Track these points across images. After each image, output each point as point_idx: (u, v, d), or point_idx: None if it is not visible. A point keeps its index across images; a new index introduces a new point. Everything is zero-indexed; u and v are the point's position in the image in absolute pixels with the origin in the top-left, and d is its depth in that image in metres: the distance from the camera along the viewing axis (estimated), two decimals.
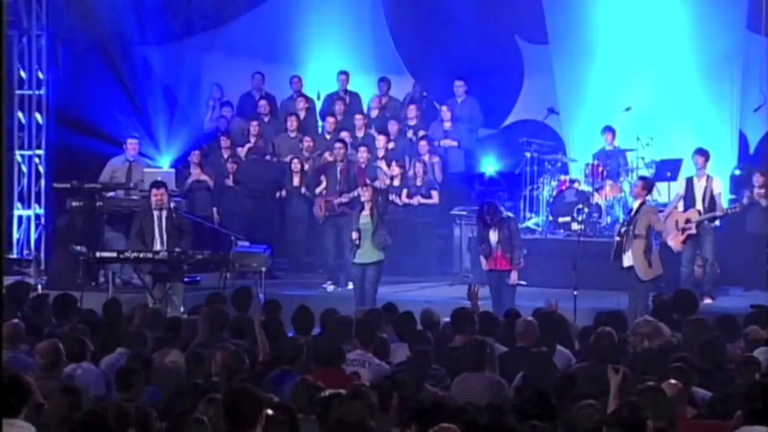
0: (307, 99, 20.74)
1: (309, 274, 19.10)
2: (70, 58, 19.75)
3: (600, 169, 18.66)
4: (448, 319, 11.90)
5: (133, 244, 15.74)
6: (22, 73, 19.48)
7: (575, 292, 14.89)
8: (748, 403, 7.49)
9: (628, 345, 10.65)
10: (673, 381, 8.49)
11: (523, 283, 15.72)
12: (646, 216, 15.25)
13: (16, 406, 7.04)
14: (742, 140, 19.59)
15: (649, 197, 16.05)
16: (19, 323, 10.81)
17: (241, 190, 19.27)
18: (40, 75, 19.51)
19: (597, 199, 18.51)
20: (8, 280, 16.05)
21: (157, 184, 15.97)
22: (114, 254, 15.41)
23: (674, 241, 15.56)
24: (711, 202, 16.60)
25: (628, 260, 15.16)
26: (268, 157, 19.72)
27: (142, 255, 15.16)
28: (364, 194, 16.20)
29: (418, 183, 18.93)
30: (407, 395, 8.24)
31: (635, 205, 15.54)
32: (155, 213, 15.72)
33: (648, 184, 15.86)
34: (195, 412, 7.90)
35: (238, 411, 6.90)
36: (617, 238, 15.32)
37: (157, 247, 15.53)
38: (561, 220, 18.57)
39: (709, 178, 16.73)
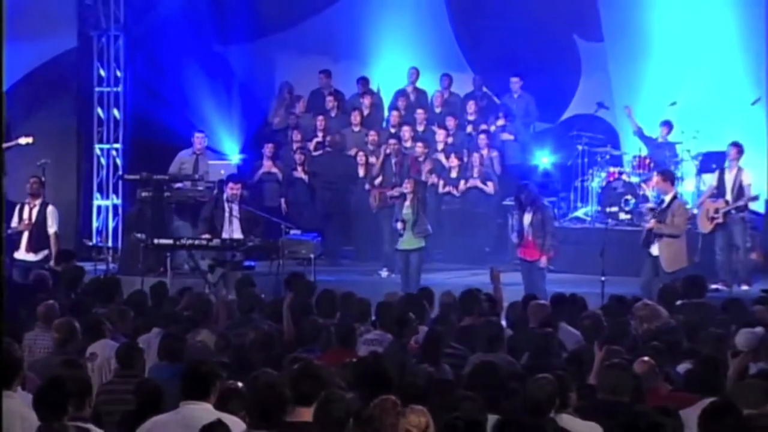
0: (373, 94, 20.98)
1: (373, 262, 19.29)
2: (147, 57, 20.19)
3: (647, 161, 18.71)
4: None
5: (200, 229, 16.30)
6: (102, 72, 19.98)
7: (603, 278, 14.98)
8: (699, 376, 7.63)
9: (630, 327, 10.75)
10: (645, 359, 8.62)
11: (551, 267, 15.83)
12: (676, 213, 15.32)
13: (9, 378, 7.35)
14: None
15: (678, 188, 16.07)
16: (53, 304, 11.19)
17: (315, 182, 19.59)
18: (118, 73, 19.97)
19: (645, 189, 18.51)
20: (87, 266, 16.62)
21: (235, 179, 16.57)
22: (170, 241, 15.80)
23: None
24: (739, 193, 16.59)
25: (655, 249, 15.22)
26: (343, 152, 19.97)
27: (196, 242, 15.56)
28: (406, 186, 16.53)
29: (475, 174, 19.09)
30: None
31: (667, 198, 15.55)
32: (226, 204, 16.21)
33: (668, 176, 15.89)
34: None
35: (194, 380, 7.19)
36: (648, 227, 15.34)
37: (226, 235, 16.03)
38: (609, 210, 18.61)
39: (740, 170, 16.74)
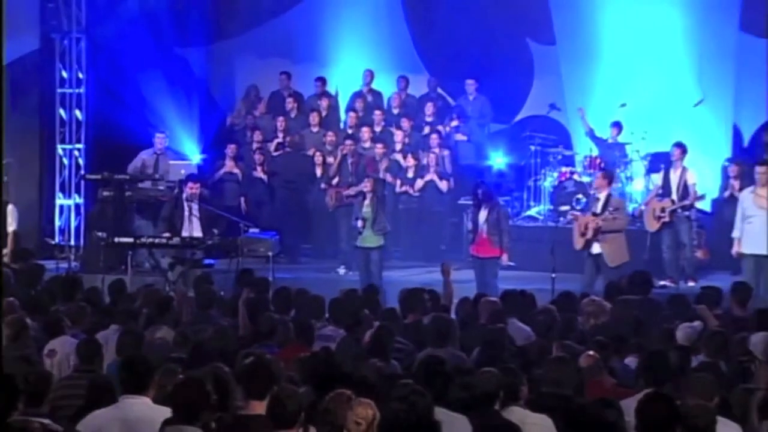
0: (331, 96, 21.03)
1: (331, 259, 19.31)
2: (108, 59, 20.08)
3: (598, 161, 18.83)
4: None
5: (160, 228, 16.36)
6: (64, 74, 19.91)
7: (553, 275, 15.10)
8: (646, 370, 7.73)
9: (578, 322, 10.86)
10: (590, 353, 8.70)
11: (511, 263, 15.95)
12: (618, 209, 15.47)
13: None
14: (737, 134, 19.69)
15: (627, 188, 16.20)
16: (14, 301, 11.18)
17: (274, 181, 19.63)
18: (80, 75, 19.90)
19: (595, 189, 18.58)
20: (49, 264, 16.61)
21: (194, 178, 16.60)
22: (131, 240, 15.78)
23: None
24: (685, 192, 16.72)
25: (596, 248, 15.37)
26: (302, 152, 20.00)
27: (156, 241, 15.54)
28: (366, 185, 16.60)
29: (431, 172, 19.17)
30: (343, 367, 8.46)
31: (602, 196, 15.70)
32: (186, 203, 16.24)
33: (608, 176, 16.09)
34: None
35: (131, 375, 7.23)
36: (593, 226, 15.44)
37: (186, 234, 16.05)
38: (561, 208, 18.70)
39: (684, 170, 16.88)
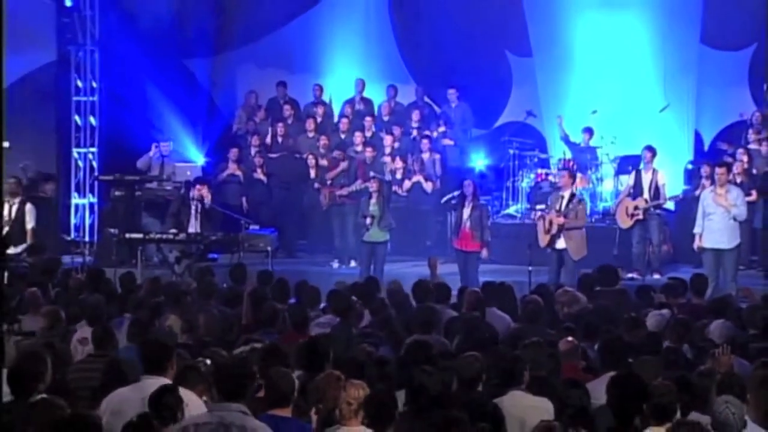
0: (325, 104, 21.08)
1: (325, 254, 19.34)
2: (120, 69, 20.17)
3: (571, 163, 18.86)
4: None
5: (168, 224, 16.41)
6: (79, 83, 19.99)
7: (530, 268, 15.15)
8: (606, 355, 7.78)
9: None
10: (569, 338, 8.75)
11: (491, 258, 16.02)
12: (579, 208, 15.53)
13: None
14: (698, 139, 19.79)
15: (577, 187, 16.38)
16: (36, 291, 11.22)
17: (272, 182, 19.68)
18: (94, 84, 19.99)
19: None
20: (65, 259, 16.66)
21: (202, 181, 16.68)
22: (140, 235, 15.82)
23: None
24: (656, 192, 16.76)
25: (561, 243, 15.45)
26: (297, 155, 20.07)
27: (164, 236, 15.58)
28: (372, 186, 16.72)
29: (417, 174, 19.22)
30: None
31: (566, 194, 15.78)
32: (193, 202, 16.28)
33: (573, 175, 16.20)
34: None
35: (151, 358, 7.27)
36: (558, 222, 15.51)
37: (191, 229, 16.09)
38: (537, 207, 18.72)
39: (655, 171, 16.91)
